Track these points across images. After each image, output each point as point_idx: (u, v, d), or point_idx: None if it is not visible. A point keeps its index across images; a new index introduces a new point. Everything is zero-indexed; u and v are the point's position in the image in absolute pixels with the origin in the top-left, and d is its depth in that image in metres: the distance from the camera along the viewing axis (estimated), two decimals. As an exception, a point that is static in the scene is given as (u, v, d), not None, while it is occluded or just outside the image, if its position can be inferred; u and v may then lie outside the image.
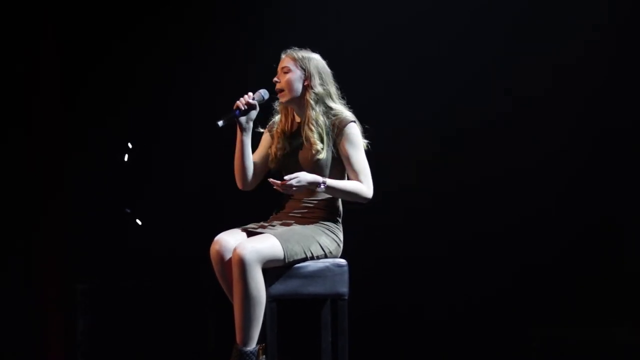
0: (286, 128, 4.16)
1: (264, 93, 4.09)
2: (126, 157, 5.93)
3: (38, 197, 5.74)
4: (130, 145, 5.93)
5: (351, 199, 4.03)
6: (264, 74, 4.30)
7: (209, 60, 5.87)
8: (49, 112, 5.78)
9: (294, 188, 3.91)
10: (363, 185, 4.00)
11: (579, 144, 5.56)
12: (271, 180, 3.92)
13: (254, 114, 4.05)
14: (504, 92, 5.60)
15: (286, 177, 3.92)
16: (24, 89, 5.73)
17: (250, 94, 4.05)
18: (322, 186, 3.94)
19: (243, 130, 4.05)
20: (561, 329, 5.53)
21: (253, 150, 4.14)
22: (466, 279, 5.64)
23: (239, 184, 4.15)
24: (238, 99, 4.02)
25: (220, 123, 3.97)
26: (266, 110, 4.19)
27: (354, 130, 4.04)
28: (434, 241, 5.68)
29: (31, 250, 5.72)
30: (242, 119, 4.03)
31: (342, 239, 4.10)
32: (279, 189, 3.93)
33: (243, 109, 4.01)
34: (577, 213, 5.56)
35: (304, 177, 3.93)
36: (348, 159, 4.03)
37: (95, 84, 5.87)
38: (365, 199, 4.02)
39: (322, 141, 4.02)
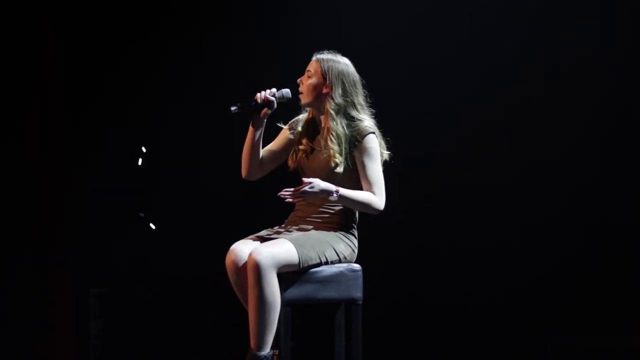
0: (310, 127, 4.14)
1: (286, 93, 4.05)
2: (140, 162, 5.93)
3: (49, 201, 5.74)
4: (144, 149, 5.93)
5: (362, 209, 4.02)
6: (272, 77, 4.29)
7: (220, 63, 5.85)
8: (59, 116, 5.79)
9: (306, 195, 3.91)
10: (375, 196, 3.99)
11: (588, 144, 5.55)
12: (281, 193, 3.90)
13: (269, 111, 4.03)
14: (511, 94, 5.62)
15: (305, 180, 3.91)
16: (29, 92, 5.72)
17: (274, 89, 4.04)
18: (334, 195, 3.93)
19: (254, 123, 4.05)
20: (578, 336, 5.53)
21: (266, 143, 4.12)
22: (482, 283, 5.62)
23: (243, 173, 4.15)
24: (259, 92, 4.00)
25: (233, 109, 3.96)
26: (294, 106, 4.15)
27: (372, 143, 4.02)
28: (450, 247, 5.67)
29: (43, 255, 5.72)
30: (255, 113, 4.01)
31: (357, 245, 4.09)
32: (290, 200, 3.92)
33: (259, 102, 4.00)
34: (582, 216, 5.56)
35: (317, 184, 3.92)
36: (363, 169, 4.01)
37: (103, 86, 5.86)
38: (377, 210, 4.01)
39: (341, 154, 4.00)
